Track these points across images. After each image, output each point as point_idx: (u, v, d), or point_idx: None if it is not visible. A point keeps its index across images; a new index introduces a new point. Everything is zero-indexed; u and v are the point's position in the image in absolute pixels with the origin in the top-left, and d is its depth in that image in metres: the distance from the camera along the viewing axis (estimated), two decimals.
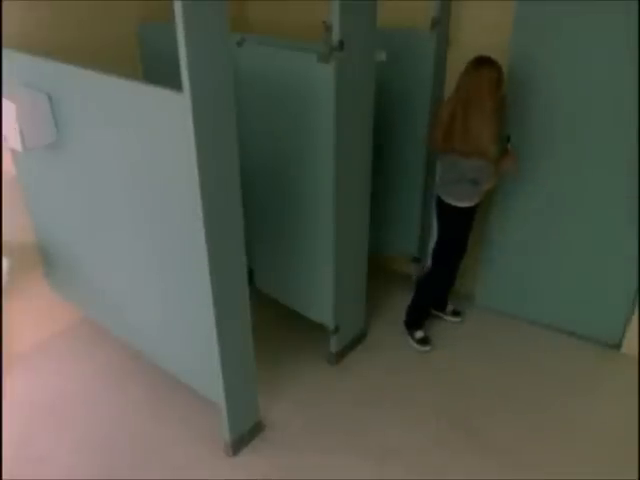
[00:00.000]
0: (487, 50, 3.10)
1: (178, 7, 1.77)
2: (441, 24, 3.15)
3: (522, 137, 3.15)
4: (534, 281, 3.51)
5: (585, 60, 2.88)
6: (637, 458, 2.65)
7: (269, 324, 3.49)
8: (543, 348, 3.42)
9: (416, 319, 3.48)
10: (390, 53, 2.79)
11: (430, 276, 3.45)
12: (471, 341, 3.48)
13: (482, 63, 2.79)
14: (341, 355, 3.32)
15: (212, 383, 2.56)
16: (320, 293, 3.12)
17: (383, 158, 3.22)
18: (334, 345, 3.25)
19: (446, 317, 3.65)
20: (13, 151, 2.99)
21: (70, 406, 3.05)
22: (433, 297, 3.54)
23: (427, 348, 3.40)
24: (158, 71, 3.33)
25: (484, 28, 3.12)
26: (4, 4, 2.74)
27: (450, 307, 3.67)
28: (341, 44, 2.45)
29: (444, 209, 3.14)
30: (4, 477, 2.51)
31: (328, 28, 2.47)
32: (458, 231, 3.21)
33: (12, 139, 2.63)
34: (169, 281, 2.55)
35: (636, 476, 2.58)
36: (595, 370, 3.26)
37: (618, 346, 3.34)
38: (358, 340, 3.44)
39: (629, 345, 3.28)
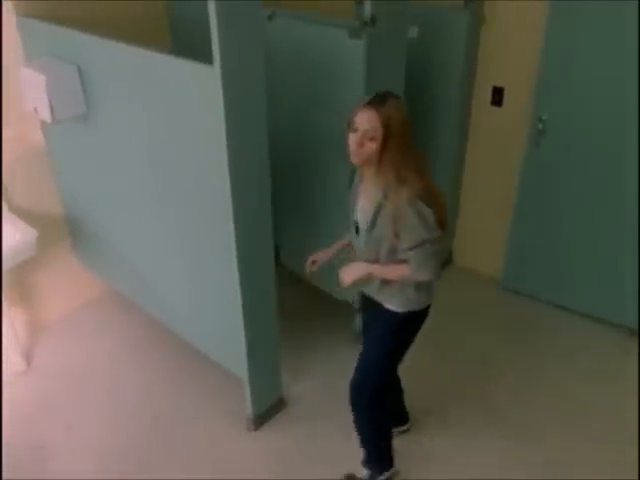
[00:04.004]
0: (523, 29, 3.03)
1: None
2: (474, 0, 3.08)
3: (557, 118, 3.08)
4: (561, 266, 3.45)
5: (624, 42, 2.78)
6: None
7: (294, 302, 3.48)
8: (567, 332, 3.38)
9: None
10: (422, 30, 2.73)
11: None
12: (496, 323, 3.46)
13: (382, 101, 1.90)
14: None
15: (236, 358, 2.58)
16: None
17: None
18: (359, 323, 3.23)
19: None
20: (43, 123, 3.00)
21: (97, 376, 3.10)
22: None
23: None
24: (188, 47, 3.31)
25: (520, 5, 3.04)
26: None
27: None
28: (373, 19, 2.40)
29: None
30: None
31: (360, 3, 2.43)
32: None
33: (41, 110, 2.63)
34: (196, 255, 2.56)
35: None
36: (618, 356, 3.22)
37: None
38: None
39: None
